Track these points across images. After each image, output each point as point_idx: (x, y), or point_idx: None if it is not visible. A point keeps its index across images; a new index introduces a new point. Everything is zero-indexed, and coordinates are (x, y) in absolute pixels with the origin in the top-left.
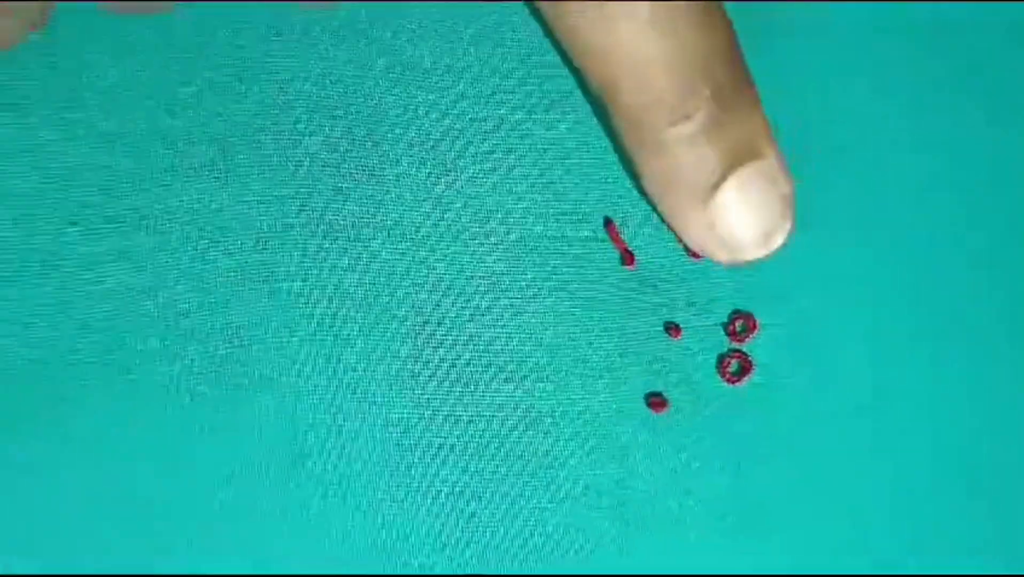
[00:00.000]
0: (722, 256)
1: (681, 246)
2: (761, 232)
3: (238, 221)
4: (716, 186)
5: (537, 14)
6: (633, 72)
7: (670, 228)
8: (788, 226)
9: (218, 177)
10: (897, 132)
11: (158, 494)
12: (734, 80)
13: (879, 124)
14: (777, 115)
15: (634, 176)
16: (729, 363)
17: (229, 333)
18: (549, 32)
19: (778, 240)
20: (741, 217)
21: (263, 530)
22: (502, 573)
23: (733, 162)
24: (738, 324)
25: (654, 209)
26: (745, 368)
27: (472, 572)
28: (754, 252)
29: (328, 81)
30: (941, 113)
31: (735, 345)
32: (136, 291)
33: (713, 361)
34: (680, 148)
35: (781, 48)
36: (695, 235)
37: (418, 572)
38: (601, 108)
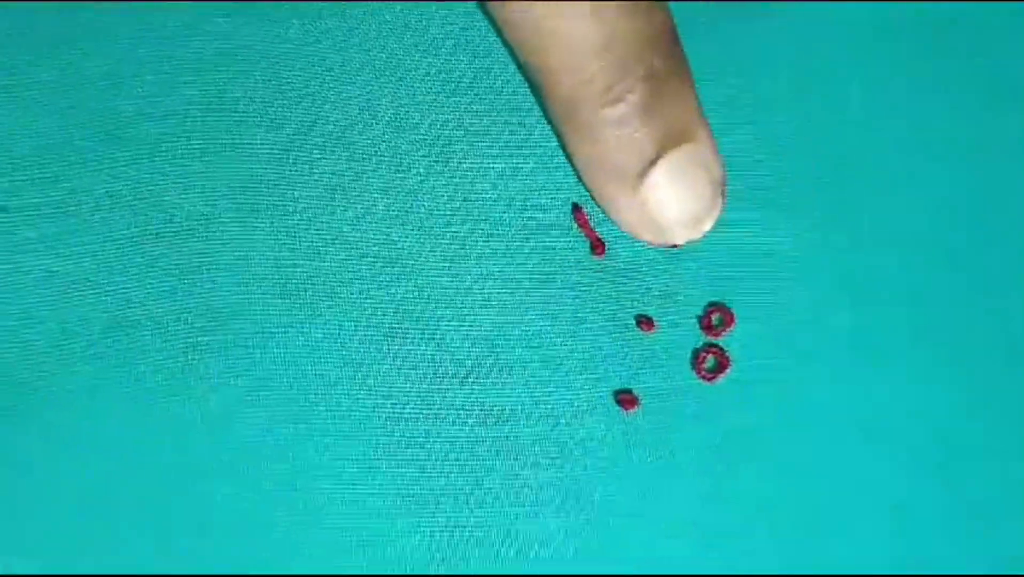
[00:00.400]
0: (649, 237)
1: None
2: (691, 215)
3: (179, 208)
4: (647, 169)
5: (484, 9)
6: (568, 56)
7: (603, 211)
8: (718, 212)
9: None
10: (881, 126)
11: (109, 481)
12: (668, 65)
13: (863, 118)
14: (759, 107)
15: (570, 160)
16: (705, 359)
17: (185, 322)
18: (494, 26)
19: (707, 224)
20: (671, 200)
21: (220, 529)
22: (497, 573)
23: (665, 145)
24: (714, 317)
25: (589, 193)
26: (722, 364)
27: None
28: (683, 235)
29: (283, 66)
30: (927, 107)
31: (711, 339)
32: (78, 279)
33: (688, 357)
34: (612, 130)
35: (766, 33)
36: (626, 217)
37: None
38: (539, 95)
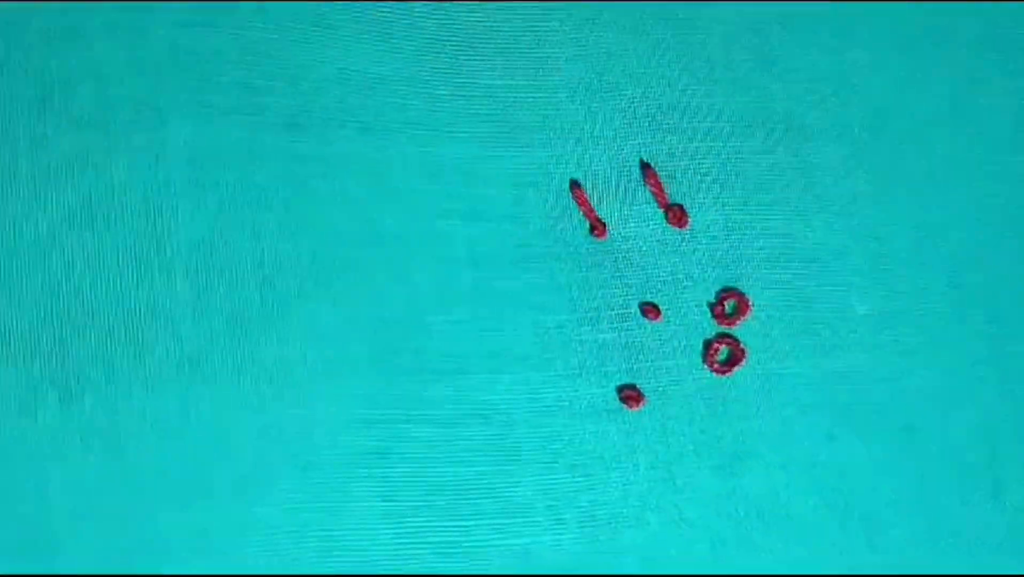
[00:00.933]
0: None
1: (661, 211)
2: None
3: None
4: None
5: None
6: None
7: None
8: None
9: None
10: (900, 110)
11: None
12: None
13: (890, 101)
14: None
15: None
16: (717, 350)
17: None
18: None
19: None
20: None
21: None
22: (496, 573)
23: None
24: (728, 304)
25: None
26: (736, 356)
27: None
28: None
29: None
30: (949, 95)
31: (724, 329)
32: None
33: (698, 348)
34: None
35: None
36: None
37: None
38: None
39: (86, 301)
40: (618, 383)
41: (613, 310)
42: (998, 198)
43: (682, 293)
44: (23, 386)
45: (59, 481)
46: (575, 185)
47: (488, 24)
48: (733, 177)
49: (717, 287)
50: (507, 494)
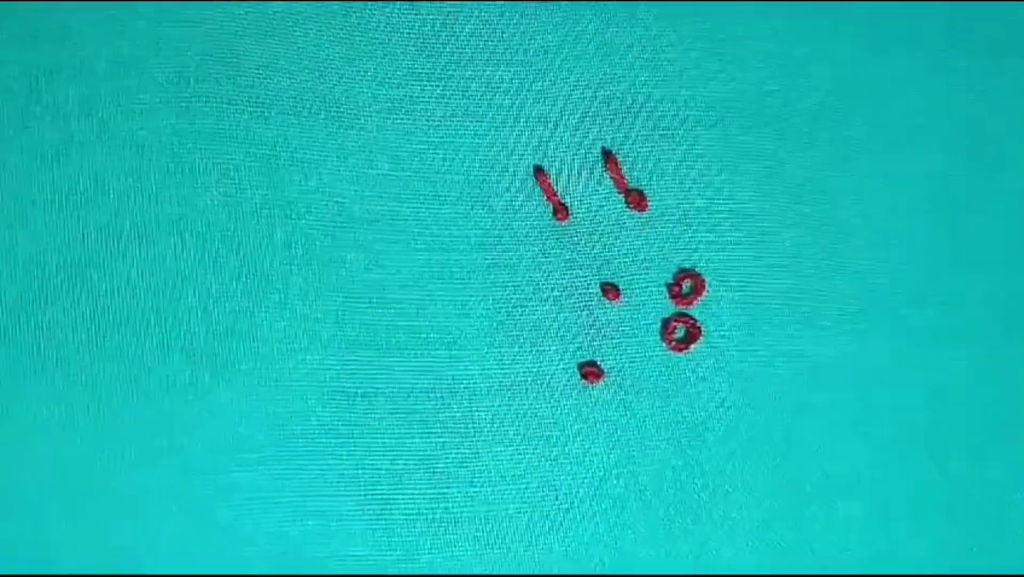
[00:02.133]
0: None
1: (622, 196)
2: None
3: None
4: None
5: None
6: None
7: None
8: None
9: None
10: (857, 93)
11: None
12: None
13: (846, 82)
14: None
15: None
16: (675, 328)
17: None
18: None
19: None
20: None
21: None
22: (485, 573)
23: None
24: (685, 285)
25: None
26: (692, 334)
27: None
28: None
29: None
30: (908, 75)
31: (681, 308)
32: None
33: (656, 326)
34: None
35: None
36: None
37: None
38: None
39: (71, 279)
40: (579, 360)
41: (575, 290)
42: (959, 178)
43: (642, 274)
44: (8, 360)
45: (42, 448)
46: (539, 170)
47: (454, 16)
48: (691, 163)
49: (675, 269)
50: (472, 465)
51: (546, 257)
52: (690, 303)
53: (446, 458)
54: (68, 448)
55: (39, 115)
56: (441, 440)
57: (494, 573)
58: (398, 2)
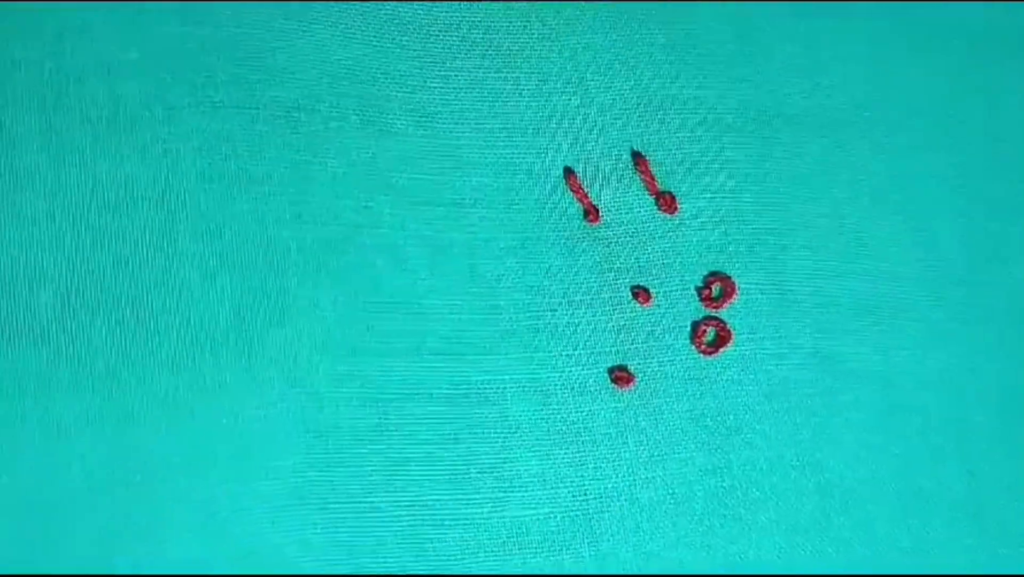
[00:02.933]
0: None
1: (652, 198)
2: None
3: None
4: None
5: None
6: None
7: None
8: None
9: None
10: (887, 100)
11: None
12: None
13: (871, 89)
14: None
15: None
16: (704, 332)
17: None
18: None
19: None
20: None
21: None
22: (481, 573)
23: None
24: (715, 288)
25: None
26: (722, 337)
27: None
28: None
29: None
30: (937, 85)
31: (711, 312)
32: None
33: (686, 330)
34: None
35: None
36: None
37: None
38: None
39: (100, 287)
40: (609, 364)
41: (606, 293)
42: (986, 184)
43: (672, 277)
44: (38, 368)
45: (68, 457)
46: (569, 172)
47: (483, 21)
48: (722, 166)
49: (705, 271)
50: (502, 470)
51: (576, 260)
52: (720, 306)
53: (478, 463)
54: (94, 454)
55: (65, 119)
56: (472, 445)
57: (521, 573)
58: (430, 3)
